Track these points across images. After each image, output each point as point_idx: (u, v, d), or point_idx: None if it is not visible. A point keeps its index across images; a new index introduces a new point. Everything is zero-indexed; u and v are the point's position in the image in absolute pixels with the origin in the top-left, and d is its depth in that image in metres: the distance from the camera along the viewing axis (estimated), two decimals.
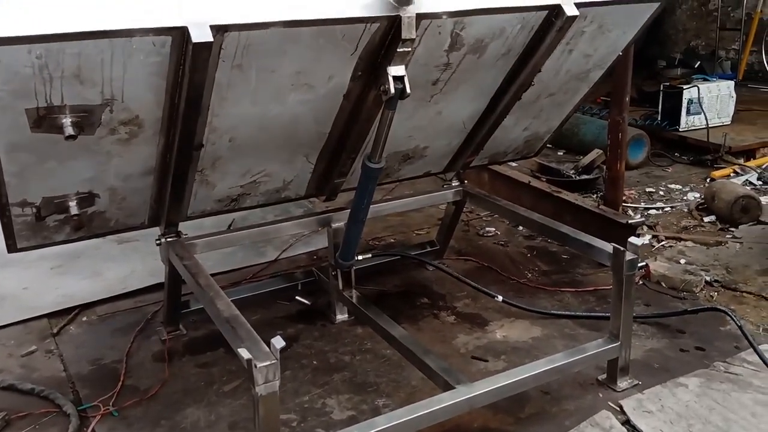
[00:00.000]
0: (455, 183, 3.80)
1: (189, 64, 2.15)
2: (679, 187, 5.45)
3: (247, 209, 3.21)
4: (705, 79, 6.84)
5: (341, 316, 3.49)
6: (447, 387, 2.57)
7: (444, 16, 2.47)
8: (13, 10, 1.88)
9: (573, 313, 3.50)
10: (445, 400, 2.49)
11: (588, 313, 3.50)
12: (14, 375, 3.11)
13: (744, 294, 3.69)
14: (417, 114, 3.01)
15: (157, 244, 3.00)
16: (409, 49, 2.45)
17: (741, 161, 5.90)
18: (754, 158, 5.99)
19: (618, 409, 2.74)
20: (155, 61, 2.14)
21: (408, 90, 2.51)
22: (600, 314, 3.43)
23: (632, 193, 5.25)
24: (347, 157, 3.03)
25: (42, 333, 3.45)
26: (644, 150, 5.98)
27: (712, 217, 4.70)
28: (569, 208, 4.42)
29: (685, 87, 6.42)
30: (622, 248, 2.77)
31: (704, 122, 6.28)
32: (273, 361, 2.02)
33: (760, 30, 8.87)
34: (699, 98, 6.36)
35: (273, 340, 2.05)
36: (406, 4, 2.33)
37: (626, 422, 2.67)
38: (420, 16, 2.39)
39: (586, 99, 3.62)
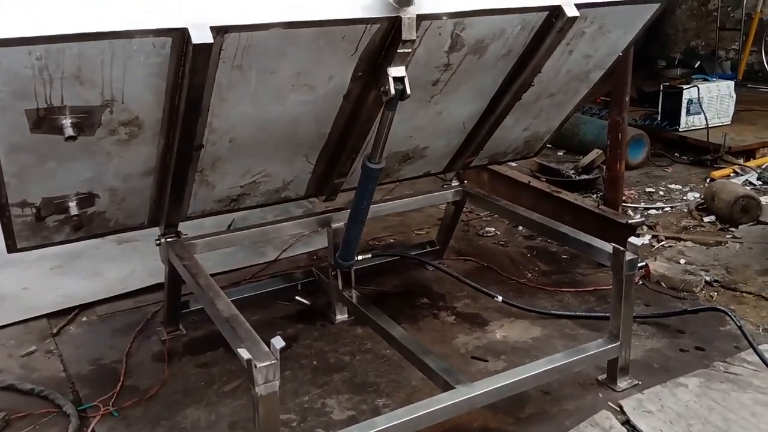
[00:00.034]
0: (455, 183, 3.80)
1: (189, 65, 2.15)
2: (678, 187, 5.46)
3: (246, 209, 3.21)
4: (705, 79, 6.85)
5: (341, 317, 3.49)
6: (447, 387, 2.57)
7: (444, 17, 2.47)
8: (13, 11, 1.88)
9: (573, 313, 3.50)
10: (444, 400, 2.49)
11: (588, 313, 3.50)
12: (14, 375, 3.11)
13: (744, 294, 3.69)
14: (417, 114, 3.01)
15: (157, 245, 3.00)
16: (410, 50, 2.45)
17: (741, 161, 5.91)
18: (754, 158, 6.00)
19: (618, 409, 2.75)
20: (155, 62, 2.14)
21: (408, 91, 2.51)
22: (600, 314, 3.43)
23: (632, 193, 5.25)
24: (347, 157, 3.04)
25: (42, 333, 3.45)
26: (644, 150, 5.98)
27: (712, 217, 4.70)
28: (569, 208, 4.42)
29: (684, 87, 6.42)
30: (621, 248, 2.77)
31: (704, 122, 6.28)
32: (273, 361, 2.02)
33: (759, 30, 8.88)
34: (699, 98, 6.36)
35: (273, 340, 2.05)
36: (407, 5, 2.33)
37: (626, 422, 2.67)
38: (420, 17, 2.39)
39: (586, 99, 3.63)
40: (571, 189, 4.95)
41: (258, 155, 2.82)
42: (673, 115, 6.40)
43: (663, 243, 4.36)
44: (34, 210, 2.57)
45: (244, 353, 2.03)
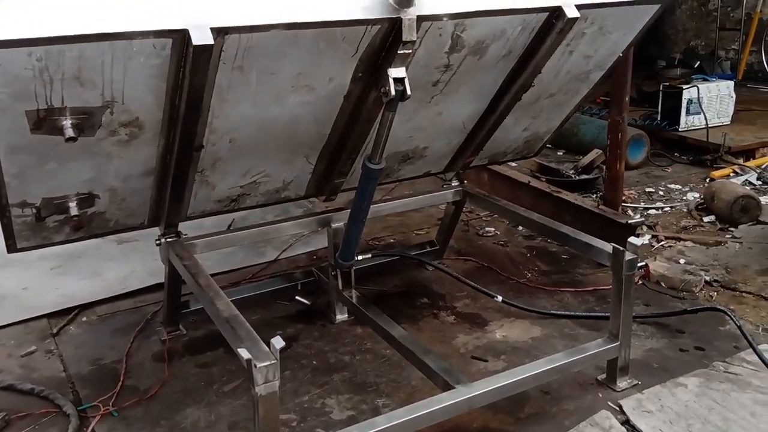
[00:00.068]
0: (455, 183, 3.80)
1: (189, 66, 2.15)
2: (678, 187, 5.46)
3: (246, 209, 3.22)
4: (704, 79, 6.84)
5: (341, 316, 3.50)
6: (447, 387, 2.58)
7: (445, 18, 2.47)
8: (13, 12, 1.88)
9: (573, 313, 3.50)
10: (444, 400, 2.49)
11: (588, 313, 3.50)
12: (14, 375, 3.11)
13: (743, 294, 3.69)
14: (417, 115, 3.01)
15: (157, 245, 3.01)
16: (410, 51, 2.45)
17: (740, 161, 5.91)
18: (754, 158, 6.00)
19: (617, 408, 2.75)
20: (156, 63, 2.14)
21: (408, 92, 2.51)
22: (599, 314, 3.44)
23: (632, 193, 5.25)
24: (347, 157, 3.04)
25: (42, 333, 3.45)
26: (644, 150, 5.98)
27: (712, 217, 4.71)
28: (569, 208, 4.42)
29: (684, 87, 6.42)
30: (621, 248, 2.77)
31: (704, 122, 6.28)
32: (273, 361, 2.02)
33: (759, 30, 8.87)
34: (698, 98, 6.36)
35: (273, 340, 2.05)
36: (407, 6, 2.32)
37: (626, 422, 2.67)
38: (421, 18, 2.39)
39: (586, 99, 3.63)
40: (571, 189, 4.96)
41: (258, 155, 2.82)
42: (672, 115, 6.40)
43: (663, 243, 4.36)
44: (34, 210, 2.57)
45: (244, 353, 2.03)
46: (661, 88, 6.58)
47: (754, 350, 2.99)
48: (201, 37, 2.06)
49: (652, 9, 3.06)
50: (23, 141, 2.21)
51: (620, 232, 3.83)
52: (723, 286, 3.77)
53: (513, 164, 5.01)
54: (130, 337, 3.36)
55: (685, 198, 5.20)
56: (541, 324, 3.43)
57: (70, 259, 4.11)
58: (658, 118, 6.50)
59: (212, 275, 2.73)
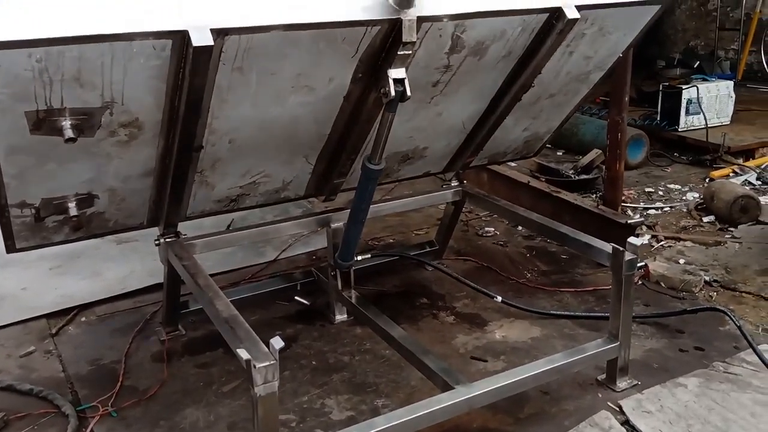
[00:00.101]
0: (454, 183, 3.80)
1: (189, 67, 2.15)
2: (678, 187, 5.46)
3: (246, 209, 3.22)
4: (704, 79, 6.84)
5: (340, 317, 3.49)
6: (446, 387, 2.58)
7: (445, 19, 2.47)
8: (13, 13, 1.87)
9: (572, 313, 3.50)
10: (444, 400, 2.49)
11: (587, 313, 3.50)
12: (13, 375, 3.11)
13: (743, 294, 3.69)
14: (417, 115, 3.01)
15: (156, 245, 3.01)
16: (410, 51, 2.45)
17: (740, 161, 5.91)
18: (753, 158, 6.00)
19: (617, 409, 2.75)
20: (155, 64, 2.14)
21: (408, 92, 2.51)
22: (599, 314, 3.44)
23: (631, 193, 5.25)
24: (347, 158, 3.04)
25: (41, 333, 3.45)
26: (643, 150, 5.98)
27: (712, 217, 4.71)
28: (568, 208, 4.42)
29: (684, 87, 6.42)
30: (621, 248, 2.77)
31: (703, 122, 6.28)
32: (272, 362, 2.02)
33: (759, 30, 8.88)
34: (698, 98, 6.36)
35: (272, 341, 2.05)
36: (407, 7, 2.32)
37: (625, 422, 2.67)
38: (421, 19, 2.39)
39: (585, 100, 3.63)
40: (571, 189, 4.96)
41: (258, 156, 2.82)
42: (672, 115, 6.41)
43: (662, 243, 4.36)
44: (33, 210, 2.57)
45: (243, 353, 2.03)
46: (660, 88, 6.58)
47: (754, 350, 2.99)
48: (201, 38, 2.06)
49: (652, 9, 3.06)
50: (23, 142, 2.21)
51: (620, 232, 3.84)
52: (723, 286, 3.77)
53: (512, 164, 5.01)
54: (129, 338, 3.35)
55: (684, 198, 5.21)
56: (540, 324, 3.43)
57: (69, 259, 4.11)
58: (658, 118, 6.51)
59: (211, 275, 2.73)
